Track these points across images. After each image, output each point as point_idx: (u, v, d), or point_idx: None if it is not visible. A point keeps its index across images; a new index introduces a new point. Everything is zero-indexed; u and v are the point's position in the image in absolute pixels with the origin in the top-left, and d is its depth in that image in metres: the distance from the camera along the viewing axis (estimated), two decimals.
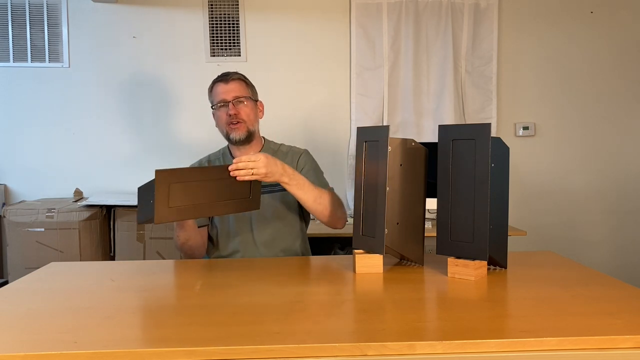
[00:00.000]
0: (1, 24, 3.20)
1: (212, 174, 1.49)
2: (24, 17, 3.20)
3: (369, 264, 1.41)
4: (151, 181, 1.40)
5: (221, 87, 1.84)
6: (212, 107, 1.88)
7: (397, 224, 1.42)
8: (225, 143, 1.96)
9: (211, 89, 1.88)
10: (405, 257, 1.49)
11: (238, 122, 1.81)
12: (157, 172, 1.35)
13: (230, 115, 1.80)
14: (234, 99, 1.82)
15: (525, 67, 3.41)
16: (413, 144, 1.46)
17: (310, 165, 1.90)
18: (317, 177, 1.88)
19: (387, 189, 1.38)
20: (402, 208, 1.43)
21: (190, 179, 1.43)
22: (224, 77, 1.85)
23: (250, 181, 1.55)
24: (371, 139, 1.44)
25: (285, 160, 1.88)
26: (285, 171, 1.61)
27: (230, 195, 1.52)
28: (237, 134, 1.81)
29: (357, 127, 1.52)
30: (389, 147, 1.38)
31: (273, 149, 1.93)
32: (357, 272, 1.41)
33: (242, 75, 1.88)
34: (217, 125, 1.88)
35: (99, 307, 1.15)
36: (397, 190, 1.42)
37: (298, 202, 1.85)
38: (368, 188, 1.45)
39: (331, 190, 1.82)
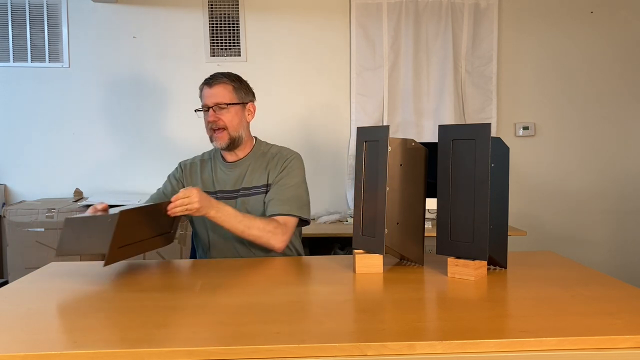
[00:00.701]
0: (1, 24, 3.20)
1: (154, 211, 1.47)
2: (24, 17, 3.20)
3: (369, 264, 1.41)
4: (95, 217, 1.35)
5: (205, 91, 1.81)
6: (195, 110, 1.87)
7: (397, 224, 1.42)
8: None
9: (201, 90, 1.86)
10: (405, 257, 1.49)
11: (219, 129, 1.79)
12: (122, 213, 1.30)
13: (209, 122, 1.80)
14: (215, 105, 1.79)
15: (525, 67, 3.41)
16: (413, 144, 1.46)
17: (287, 172, 1.81)
18: (284, 188, 1.78)
19: (387, 189, 1.38)
20: (402, 208, 1.43)
21: (139, 218, 1.41)
22: (209, 81, 1.82)
23: (175, 216, 1.54)
24: (371, 139, 1.44)
25: (271, 163, 1.85)
26: (212, 205, 1.61)
27: (160, 230, 1.52)
28: (218, 142, 1.81)
29: (357, 127, 1.51)
30: (389, 147, 1.38)
31: (263, 151, 1.90)
32: (357, 272, 1.41)
33: (229, 78, 1.82)
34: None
35: (99, 307, 1.15)
36: (397, 190, 1.42)
37: None
38: (368, 188, 1.45)
39: (288, 213, 1.74)
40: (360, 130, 1.49)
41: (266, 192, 1.82)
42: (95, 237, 1.33)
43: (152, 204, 1.50)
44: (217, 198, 1.82)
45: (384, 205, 1.37)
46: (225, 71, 1.86)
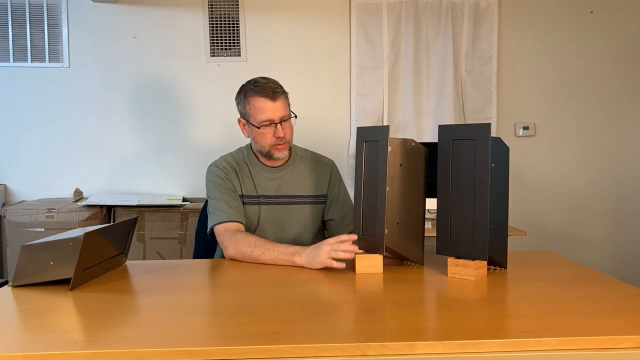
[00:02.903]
0: (1, 24, 3.20)
1: (112, 232, 1.46)
2: (24, 17, 3.20)
3: (369, 264, 1.41)
4: (54, 242, 1.31)
5: (269, 105, 1.70)
6: (249, 121, 1.74)
7: (397, 224, 1.42)
8: (236, 146, 1.92)
9: (249, 100, 1.73)
10: (405, 257, 1.49)
11: (284, 143, 1.73)
12: (86, 235, 1.27)
13: (278, 137, 1.71)
14: (281, 119, 1.72)
15: (525, 67, 3.41)
16: (413, 144, 1.46)
17: (341, 183, 1.90)
18: (347, 196, 1.88)
19: (387, 189, 1.38)
20: (402, 208, 1.43)
21: (99, 239, 1.39)
22: (270, 94, 1.71)
23: (128, 235, 1.54)
24: (371, 139, 1.44)
25: (317, 169, 1.86)
26: None
27: (117, 250, 1.50)
28: (281, 154, 1.75)
29: (357, 127, 1.51)
30: (389, 147, 1.38)
31: (301, 155, 1.88)
32: (357, 272, 1.41)
33: (281, 88, 1.75)
34: (255, 140, 1.76)
35: (99, 307, 1.15)
36: (397, 190, 1.42)
37: (322, 217, 1.86)
38: (368, 188, 1.45)
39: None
40: (360, 130, 1.49)
41: (319, 203, 1.84)
42: (57, 262, 1.30)
43: (112, 224, 1.49)
44: (259, 203, 1.79)
45: (384, 206, 1.37)
46: (270, 78, 1.78)
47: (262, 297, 1.21)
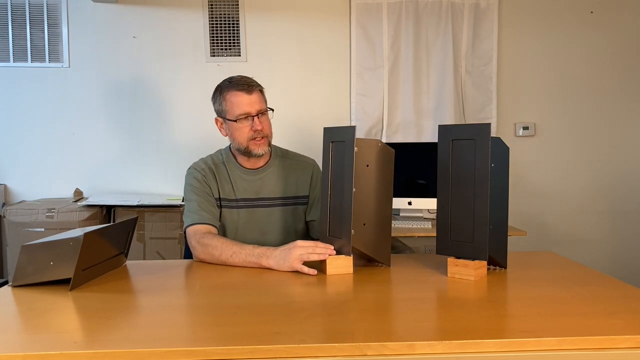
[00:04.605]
0: (1, 24, 3.19)
1: (113, 231, 1.45)
2: (24, 17, 3.20)
3: (340, 265, 1.40)
4: (54, 242, 1.31)
5: (245, 98, 1.68)
6: (226, 117, 1.72)
7: (364, 224, 1.41)
8: (221, 146, 1.92)
9: (225, 96, 1.72)
10: (373, 257, 1.47)
11: (262, 138, 1.70)
12: (86, 235, 1.27)
13: (255, 130, 1.68)
14: (258, 112, 1.69)
15: (525, 67, 3.41)
16: (380, 144, 1.45)
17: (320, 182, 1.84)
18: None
19: (354, 190, 1.37)
20: (369, 209, 1.42)
21: (100, 239, 1.38)
22: (246, 87, 1.69)
23: (128, 235, 1.53)
24: (337, 140, 1.44)
25: (296, 170, 1.83)
26: None
27: (117, 250, 1.50)
28: (260, 150, 1.71)
29: (324, 128, 1.48)
30: (355, 148, 1.38)
31: (280, 156, 1.85)
32: (328, 274, 1.39)
33: (256, 82, 1.74)
34: (233, 137, 1.73)
35: (99, 307, 1.15)
36: (364, 191, 1.41)
37: (305, 218, 1.84)
38: (335, 189, 1.44)
39: None
40: (327, 131, 1.48)
41: (301, 204, 1.82)
42: (57, 262, 1.30)
43: (112, 224, 1.49)
44: (238, 207, 1.77)
45: (351, 207, 1.37)
46: (244, 75, 1.75)
47: (261, 297, 1.21)
